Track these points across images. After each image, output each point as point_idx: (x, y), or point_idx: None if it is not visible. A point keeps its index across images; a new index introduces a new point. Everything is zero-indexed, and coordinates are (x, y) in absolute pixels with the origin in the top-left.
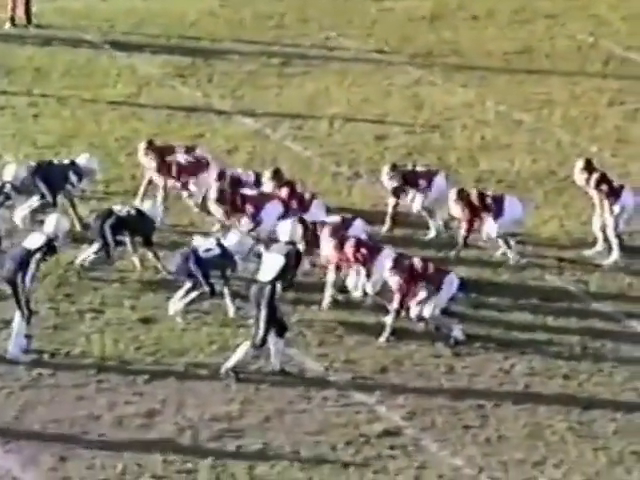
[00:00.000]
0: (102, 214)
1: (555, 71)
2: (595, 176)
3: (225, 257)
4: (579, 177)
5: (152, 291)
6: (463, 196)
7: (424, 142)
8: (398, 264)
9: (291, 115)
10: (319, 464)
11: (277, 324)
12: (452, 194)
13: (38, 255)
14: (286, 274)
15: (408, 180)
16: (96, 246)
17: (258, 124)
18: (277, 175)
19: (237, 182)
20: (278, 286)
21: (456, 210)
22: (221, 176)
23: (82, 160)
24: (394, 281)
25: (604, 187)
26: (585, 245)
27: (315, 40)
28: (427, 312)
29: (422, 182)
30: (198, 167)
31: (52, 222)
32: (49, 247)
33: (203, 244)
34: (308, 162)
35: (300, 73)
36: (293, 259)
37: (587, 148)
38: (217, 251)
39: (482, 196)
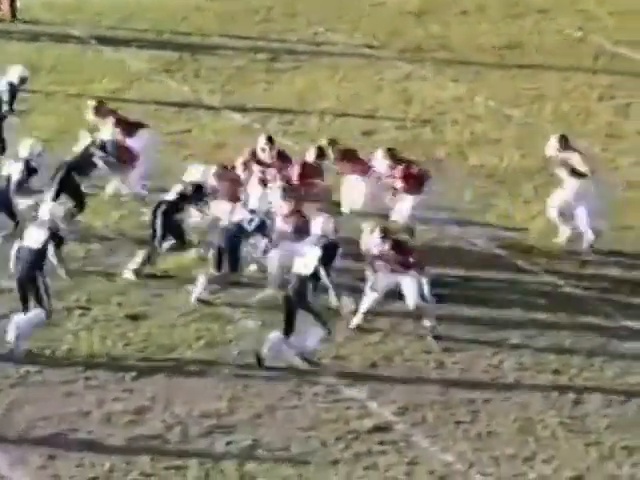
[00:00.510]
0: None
1: (545, 66)
2: (565, 152)
3: (265, 219)
4: (551, 148)
5: (140, 288)
6: (393, 154)
7: (414, 137)
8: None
9: (281, 110)
10: (309, 460)
11: (291, 324)
12: (380, 152)
13: (50, 250)
14: (324, 265)
15: (347, 158)
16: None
17: (247, 119)
18: (323, 152)
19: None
20: (320, 275)
21: (383, 166)
22: None
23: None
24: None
25: (568, 163)
26: (574, 240)
27: (303, 35)
28: (411, 300)
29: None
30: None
31: (47, 212)
32: (55, 238)
33: (244, 217)
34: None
35: (290, 68)
36: (330, 250)
37: (577, 143)
38: (257, 219)
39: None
